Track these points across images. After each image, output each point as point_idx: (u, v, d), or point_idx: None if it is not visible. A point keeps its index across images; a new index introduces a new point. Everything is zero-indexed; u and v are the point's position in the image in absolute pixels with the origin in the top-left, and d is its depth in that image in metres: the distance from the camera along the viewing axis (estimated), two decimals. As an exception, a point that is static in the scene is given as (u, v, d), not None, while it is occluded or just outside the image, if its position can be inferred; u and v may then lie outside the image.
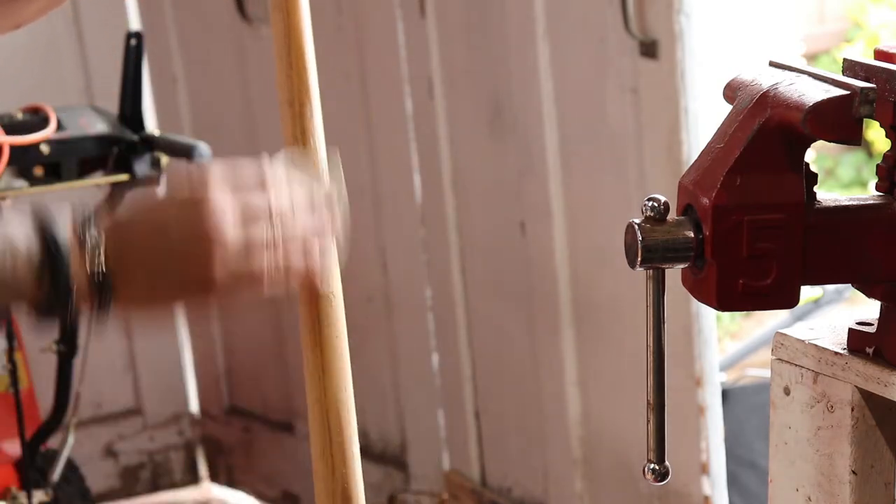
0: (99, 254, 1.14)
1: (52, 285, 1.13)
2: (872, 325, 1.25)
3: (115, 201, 1.20)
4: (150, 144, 2.95)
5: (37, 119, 2.89)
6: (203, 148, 2.86)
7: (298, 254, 1.22)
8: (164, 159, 2.98)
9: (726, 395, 3.31)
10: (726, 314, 5.31)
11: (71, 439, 3.32)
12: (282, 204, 1.21)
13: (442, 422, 3.59)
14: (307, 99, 1.35)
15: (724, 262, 1.16)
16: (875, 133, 5.27)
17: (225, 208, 1.17)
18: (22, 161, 2.85)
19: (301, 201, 1.24)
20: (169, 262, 1.17)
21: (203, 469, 4.39)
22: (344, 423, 1.35)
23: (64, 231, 1.13)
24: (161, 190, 1.20)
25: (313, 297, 1.32)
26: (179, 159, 2.94)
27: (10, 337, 3.12)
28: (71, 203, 1.17)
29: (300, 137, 1.35)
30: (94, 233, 1.14)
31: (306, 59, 1.35)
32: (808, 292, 3.97)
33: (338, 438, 1.35)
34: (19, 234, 1.12)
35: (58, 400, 3.24)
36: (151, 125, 3.50)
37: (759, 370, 4.08)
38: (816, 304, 4.18)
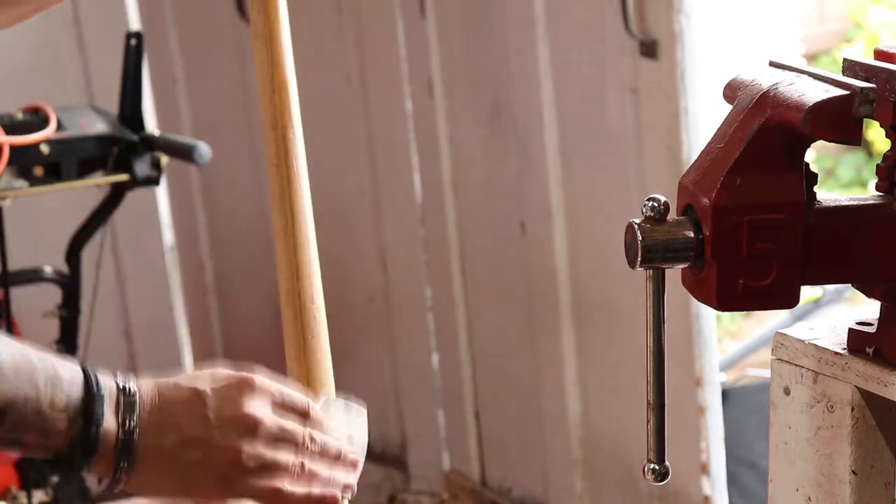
0: (131, 432, 1.16)
1: (78, 445, 1.16)
2: (872, 325, 1.25)
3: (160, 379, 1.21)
4: (150, 144, 2.95)
5: (37, 119, 2.89)
6: (203, 148, 2.86)
7: (314, 490, 1.24)
8: (164, 159, 2.98)
9: (726, 395, 3.31)
10: (726, 314, 5.31)
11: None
12: (316, 440, 1.24)
13: (442, 422, 3.59)
14: (289, 122, 1.38)
15: (724, 262, 1.16)
16: (875, 133, 5.27)
17: (262, 422, 1.20)
18: (22, 161, 2.85)
19: (332, 446, 1.26)
20: (190, 464, 1.19)
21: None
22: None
23: (106, 398, 1.16)
24: (203, 385, 1.21)
25: None
26: (179, 159, 2.94)
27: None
28: (118, 371, 1.20)
29: (283, 159, 1.38)
30: (132, 416, 1.17)
31: (288, 82, 1.40)
32: (808, 292, 3.97)
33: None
34: (65, 380, 1.15)
35: (58, 400, 3.24)
36: (151, 125, 3.50)
37: (759, 370, 4.08)
38: (816, 304, 4.18)
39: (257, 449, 1.20)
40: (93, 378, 1.17)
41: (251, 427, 1.20)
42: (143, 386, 1.19)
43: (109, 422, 1.16)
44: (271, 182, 1.40)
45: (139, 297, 4.15)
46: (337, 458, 1.26)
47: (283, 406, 1.23)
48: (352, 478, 1.28)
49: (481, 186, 3.28)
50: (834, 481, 1.28)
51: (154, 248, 4.13)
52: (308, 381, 1.37)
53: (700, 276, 1.18)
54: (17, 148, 2.80)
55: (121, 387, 1.18)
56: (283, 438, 1.22)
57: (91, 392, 1.16)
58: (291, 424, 1.23)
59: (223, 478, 1.19)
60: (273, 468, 1.21)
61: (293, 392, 1.25)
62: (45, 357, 1.16)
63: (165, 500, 1.25)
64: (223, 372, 1.23)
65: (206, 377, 1.22)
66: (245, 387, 1.21)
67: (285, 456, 1.22)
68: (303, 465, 1.23)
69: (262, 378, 1.23)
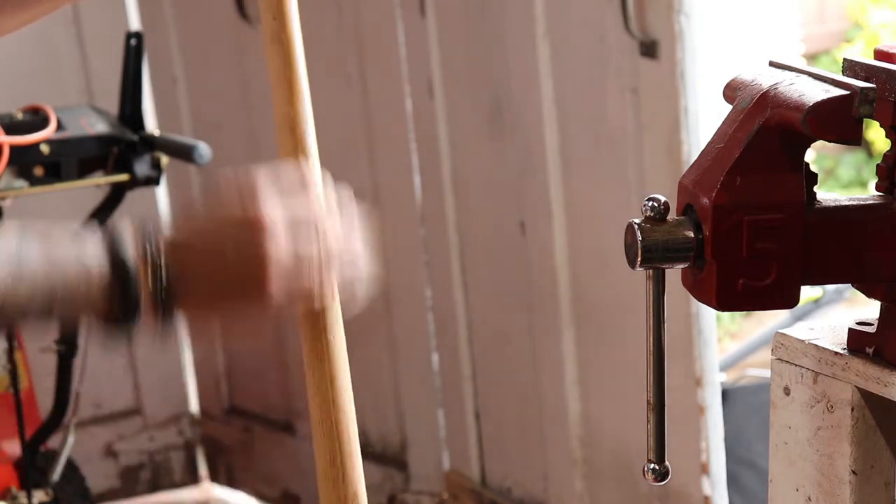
0: (161, 273, 1.20)
1: (120, 301, 1.20)
2: (872, 325, 1.25)
3: (175, 214, 1.26)
4: (150, 144, 2.95)
5: (37, 119, 2.89)
6: (203, 148, 2.86)
7: (337, 264, 1.29)
8: (164, 159, 2.98)
9: (726, 395, 3.31)
10: (726, 314, 5.31)
11: (71, 439, 3.32)
12: (321, 210, 1.27)
13: (442, 422, 3.59)
14: (306, 125, 1.41)
15: (724, 262, 1.16)
16: (875, 133, 5.27)
17: (277, 224, 1.22)
18: (22, 161, 2.85)
19: (332, 207, 1.30)
20: (226, 281, 1.23)
21: (203, 469, 4.39)
22: (350, 431, 1.40)
23: (130, 251, 1.20)
24: (214, 201, 1.25)
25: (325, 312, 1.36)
26: (179, 159, 2.94)
27: (10, 337, 3.12)
28: (135, 221, 1.23)
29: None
30: (156, 252, 1.21)
31: (303, 86, 1.42)
32: (808, 292, 3.97)
33: (346, 448, 1.39)
34: (90, 254, 1.20)
35: (58, 400, 3.24)
36: (151, 125, 3.51)
37: (759, 370, 4.08)
38: (816, 304, 4.18)
39: (283, 260, 1.23)
40: (118, 253, 1.20)
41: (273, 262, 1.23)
42: (163, 243, 1.22)
43: (144, 291, 1.20)
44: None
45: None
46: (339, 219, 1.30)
47: (286, 193, 1.25)
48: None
49: (481, 186, 3.27)
50: (834, 481, 1.28)
51: (154, 248, 4.13)
52: (330, 380, 1.39)
53: (700, 276, 1.18)
54: (17, 148, 2.80)
55: (145, 258, 1.21)
56: (298, 228, 1.24)
57: (120, 272, 1.19)
58: (300, 209, 1.25)
59: (261, 297, 1.22)
60: (301, 266, 1.24)
61: (286, 172, 1.27)
62: (69, 248, 1.20)
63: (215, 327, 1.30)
64: (233, 219, 1.23)
65: (219, 215, 1.24)
66: (259, 229, 1.22)
67: (306, 245, 1.24)
68: (320, 248, 1.26)
69: (269, 209, 1.23)
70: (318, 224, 1.26)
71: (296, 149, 1.40)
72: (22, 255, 1.17)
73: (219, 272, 1.23)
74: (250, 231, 1.22)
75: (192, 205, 1.28)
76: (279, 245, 1.22)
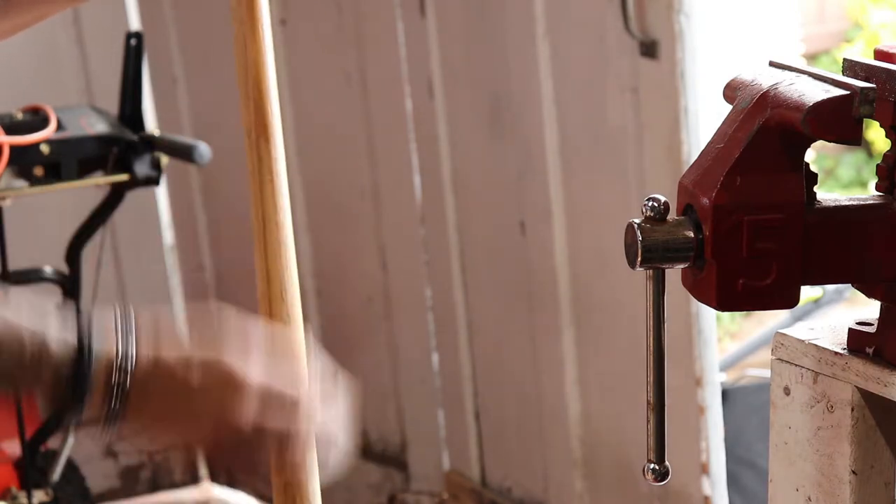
0: (122, 380, 1.17)
1: (71, 388, 1.17)
2: (872, 325, 1.25)
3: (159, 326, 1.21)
4: (150, 144, 2.95)
5: (37, 119, 2.89)
6: (203, 148, 2.86)
7: (308, 439, 1.24)
8: (164, 159, 2.98)
9: (726, 395, 3.31)
10: (726, 314, 5.31)
11: (71, 439, 3.32)
12: (303, 382, 1.23)
13: (442, 422, 3.59)
14: (267, 131, 1.40)
15: (724, 262, 1.16)
16: (875, 133, 5.27)
17: (252, 390, 1.19)
18: (22, 161, 2.85)
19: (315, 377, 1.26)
20: (180, 414, 1.20)
21: (203, 469, 4.39)
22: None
23: (101, 344, 1.17)
24: (202, 337, 1.21)
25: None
26: (179, 159, 2.94)
27: (10, 337, 3.11)
28: (117, 315, 1.20)
29: (256, 167, 1.40)
30: (127, 359, 1.17)
31: (268, 88, 1.40)
32: (808, 292, 3.97)
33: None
34: (55, 333, 1.16)
35: (58, 400, 3.23)
36: (151, 125, 3.50)
37: (759, 370, 4.08)
38: (816, 304, 4.18)
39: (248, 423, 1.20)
40: (85, 357, 1.17)
41: (229, 420, 1.20)
42: (136, 368, 1.18)
43: (94, 399, 1.18)
44: (252, 188, 1.42)
45: (139, 297, 4.15)
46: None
47: (273, 401, 1.21)
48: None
49: (481, 186, 3.28)
50: (834, 481, 1.28)
51: (154, 248, 4.13)
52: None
53: (700, 276, 1.18)
54: (17, 148, 2.80)
55: (114, 370, 1.17)
56: (262, 430, 1.21)
57: (79, 379, 1.17)
58: (275, 423, 1.21)
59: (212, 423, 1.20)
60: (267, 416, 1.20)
61: (283, 389, 1.22)
62: (34, 332, 1.16)
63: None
64: (218, 364, 1.20)
65: (200, 367, 1.20)
66: (234, 388, 1.19)
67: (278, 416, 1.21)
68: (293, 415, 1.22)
69: (253, 375, 1.20)
70: (295, 397, 1.21)
71: (251, 152, 1.39)
72: None
73: (176, 404, 1.19)
74: (223, 385, 1.18)
75: (178, 328, 1.23)
76: (246, 409, 1.19)
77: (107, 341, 1.17)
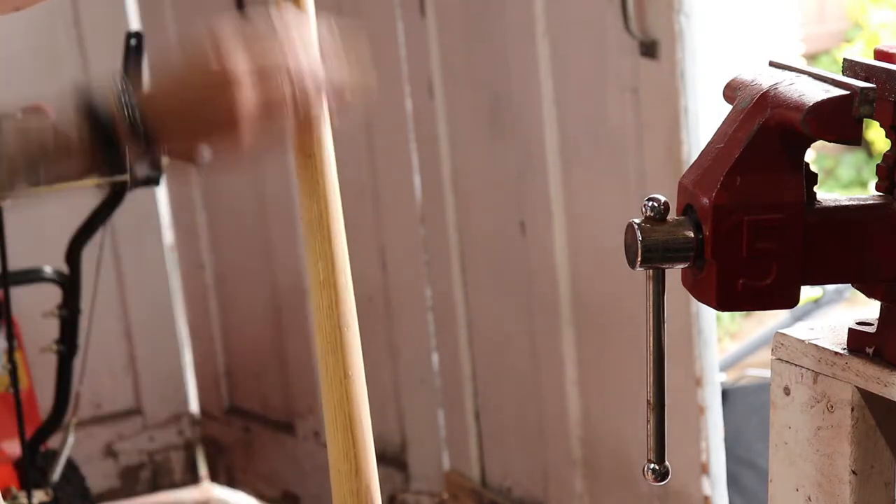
0: (137, 119, 1.29)
1: (101, 149, 1.28)
2: (872, 325, 1.25)
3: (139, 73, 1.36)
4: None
5: (37, 119, 2.88)
6: (203, 148, 2.85)
7: (312, 76, 1.34)
8: (164, 159, 2.98)
9: (726, 395, 3.31)
10: (726, 314, 5.31)
11: (71, 439, 3.32)
12: (290, 42, 1.35)
13: (442, 422, 3.59)
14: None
15: (724, 262, 1.16)
16: (875, 133, 5.27)
17: (243, 74, 1.30)
18: (22, 161, 2.84)
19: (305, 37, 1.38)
20: (199, 123, 1.33)
21: (203, 469, 4.39)
22: (364, 425, 1.39)
23: (105, 105, 1.28)
24: (183, 57, 1.36)
25: (308, 128, 1.41)
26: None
27: (10, 337, 3.12)
28: (106, 79, 1.31)
29: (316, 150, 1.47)
30: (131, 103, 1.28)
31: None
32: (808, 292, 3.97)
33: (360, 439, 1.39)
34: (65, 116, 1.28)
35: (58, 400, 3.24)
36: (151, 125, 3.49)
37: (759, 370, 4.08)
38: (816, 304, 4.18)
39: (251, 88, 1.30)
40: (94, 110, 1.28)
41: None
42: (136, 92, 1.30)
43: (114, 110, 1.28)
44: (301, 173, 1.42)
45: (139, 297, 4.15)
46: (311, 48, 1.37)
47: (253, 41, 1.34)
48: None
49: (481, 186, 3.28)
50: (834, 481, 1.28)
51: (154, 248, 4.13)
52: (343, 372, 1.38)
53: (700, 276, 1.18)
54: (17, 148, 2.80)
55: (118, 103, 1.28)
56: (267, 75, 1.31)
57: (88, 101, 1.28)
58: (269, 56, 1.32)
59: (230, 118, 1.31)
60: (266, 83, 1.30)
61: (254, 22, 1.36)
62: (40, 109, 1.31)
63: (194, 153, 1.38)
64: (201, 75, 1.33)
65: (188, 70, 1.35)
66: (224, 78, 1.31)
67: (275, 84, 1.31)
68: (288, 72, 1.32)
69: (232, 51, 1.32)
70: (287, 52, 1.32)
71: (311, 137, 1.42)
72: None
73: (191, 117, 1.32)
74: (217, 84, 1.29)
75: (160, 62, 1.36)
76: (246, 93, 1.29)
77: (104, 86, 1.28)
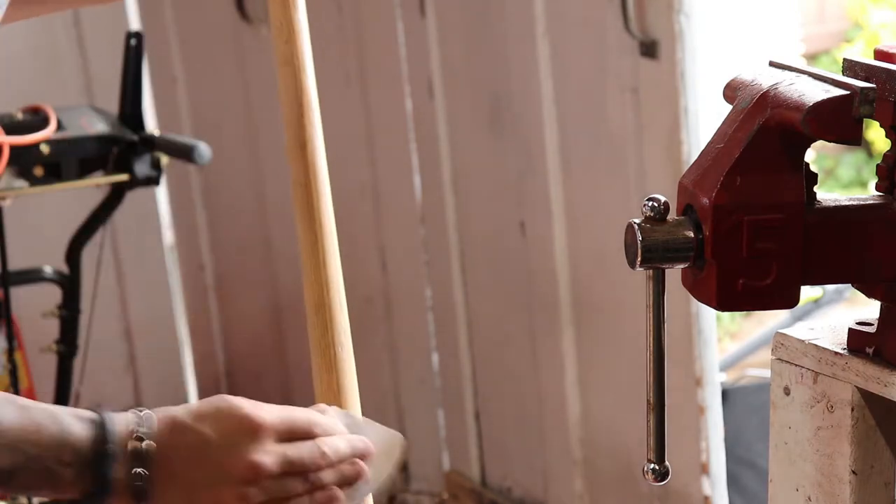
0: (142, 468, 1.18)
1: (94, 481, 1.18)
2: (872, 325, 1.25)
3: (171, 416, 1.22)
4: (150, 144, 2.95)
5: (37, 119, 2.89)
6: (203, 148, 2.86)
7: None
8: (164, 159, 2.98)
9: (726, 395, 3.30)
10: (726, 314, 5.31)
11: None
12: (328, 453, 1.24)
13: (442, 422, 3.59)
14: (316, 144, 1.44)
15: (724, 262, 1.16)
16: (875, 133, 5.27)
17: (266, 423, 1.21)
18: (22, 161, 2.85)
19: (343, 449, 1.26)
20: (210, 455, 1.21)
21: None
22: None
23: (116, 436, 1.19)
24: (211, 429, 1.22)
25: None
26: (179, 159, 2.94)
27: (10, 337, 3.11)
28: (130, 414, 1.21)
29: (311, 179, 1.47)
30: (144, 451, 1.19)
31: (313, 106, 1.47)
32: (808, 292, 3.97)
33: None
34: (75, 429, 1.18)
35: (58, 400, 3.24)
36: (151, 125, 3.50)
37: (759, 370, 4.08)
38: (816, 304, 4.18)
39: (264, 490, 1.20)
40: (104, 431, 1.18)
41: (256, 475, 1.20)
42: (155, 429, 1.20)
43: (119, 473, 1.18)
44: (296, 200, 1.45)
45: (139, 297, 4.15)
46: (352, 457, 1.26)
47: (291, 435, 1.23)
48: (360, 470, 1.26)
49: (481, 186, 3.28)
50: (834, 481, 1.28)
51: (154, 248, 4.13)
52: (337, 391, 1.40)
53: (700, 276, 1.18)
54: (17, 148, 2.80)
55: (134, 436, 1.19)
56: (291, 472, 1.22)
57: (100, 449, 1.18)
58: (299, 452, 1.22)
59: None
60: (284, 500, 1.21)
61: (296, 417, 1.24)
62: (53, 413, 1.18)
63: None
64: (229, 410, 1.22)
65: (213, 417, 1.22)
66: (251, 431, 1.21)
67: (294, 484, 1.22)
68: (316, 485, 1.23)
69: (265, 414, 1.22)
70: (316, 460, 1.23)
71: (306, 168, 1.43)
72: None
73: (199, 462, 1.20)
74: (238, 473, 1.20)
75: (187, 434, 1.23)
76: (262, 487, 1.20)
77: (121, 419, 1.19)
